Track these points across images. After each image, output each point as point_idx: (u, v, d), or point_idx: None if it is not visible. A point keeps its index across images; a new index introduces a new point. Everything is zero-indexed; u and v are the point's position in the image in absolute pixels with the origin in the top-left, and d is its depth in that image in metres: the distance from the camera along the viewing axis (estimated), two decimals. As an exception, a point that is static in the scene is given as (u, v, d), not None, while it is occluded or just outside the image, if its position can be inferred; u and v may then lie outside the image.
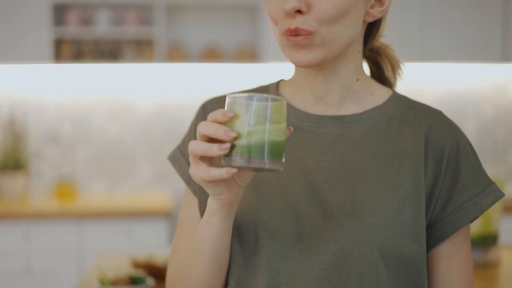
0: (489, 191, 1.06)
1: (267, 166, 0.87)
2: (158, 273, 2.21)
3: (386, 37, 1.16)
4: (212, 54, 4.28)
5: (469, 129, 4.58)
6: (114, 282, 2.10)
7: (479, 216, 1.04)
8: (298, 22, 0.99)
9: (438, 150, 1.05)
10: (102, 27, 4.23)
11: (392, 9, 1.05)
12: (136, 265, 2.25)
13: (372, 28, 1.12)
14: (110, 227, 3.86)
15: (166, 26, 4.26)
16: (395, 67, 1.15)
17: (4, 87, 4.37)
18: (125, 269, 2.31)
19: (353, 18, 1.02)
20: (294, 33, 0.99)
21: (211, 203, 0.97)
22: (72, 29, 4.17)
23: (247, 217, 1.04)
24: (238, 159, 0.86)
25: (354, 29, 1.03)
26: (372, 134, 1.07)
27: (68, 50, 4.19)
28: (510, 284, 2.27)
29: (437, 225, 1.05)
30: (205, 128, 0.88)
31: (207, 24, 4.43)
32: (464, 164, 1.05)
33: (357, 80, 1.09)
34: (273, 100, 0.87)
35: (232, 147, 0.87)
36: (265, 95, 0.87)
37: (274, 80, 1.18)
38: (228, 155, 0.87)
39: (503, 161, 4.65)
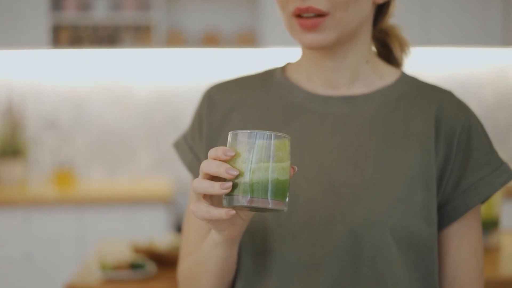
0: (501, 171, 1.05)
1: (270, 206, 0.84)
2: (158, 258, 2.20)
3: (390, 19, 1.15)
4: (211, 39, 4.26)
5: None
6: (115, 268, 2.09)
7: (491, 196, 1.03)
8: (310, 1, 0.97)
9: (449, 129, 1.03)
10: (100, 12, 4.20)
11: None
12: (137, 250, 2.24)
13: (380, 9, 1.11)
14: (110, 214, 3.85)
15: (164, 11, 4.23)
16: (403, 48, 1.14)
17: (1, 73, 4.34)
18: (126, 255, 2.30)
19: (364, 0, 1.01)
20: (305, 11, 0.98)
21: (214, 235, 0.97)
22: (70, 15, 4.14)
23: None
24: (240, 199, 0.84)
25: (365, 11, 1.02)
26: (381, 113, 1.05)
27: (66, 35, 4.17)
28: (510, 268, 2.27)
29: (448, 205, 1.03)
30: (206, 166, 0.86)
31: (206, 9, 4.40)
32: (475, 144, 1.04)
33: (367, 62, 1.08)
34: (276, 137, 0.84)
35: (235, 185, 0.84)
36: (268, 132, 0.84)
37: (280, 64, 1.17)
38: (230, 193, 0.84)
39: (504, 146, 4.64)
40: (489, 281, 2.06)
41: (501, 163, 1.06)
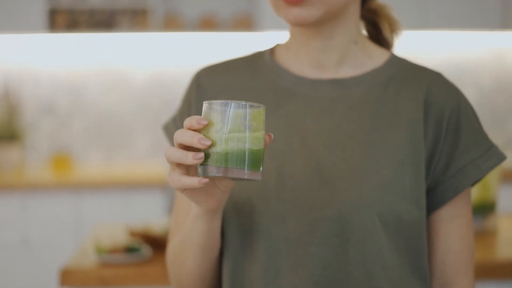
0: (490, 154, 1.04)
1: (245, 176, 0.84)
2: (154, 242, 2.20)
3: (385, 2, 1.13)
4: (208, 23, 4.24)
5: (468, 97, 4.53)
6: (110, 251, 2.09)
7: (480, 179, 1.02)
8: None
9: (438, 112, 1.02)
10: (97, -4, 4.18)
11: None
12: (133, 234, 2.24)
13: None
14: (107, 198, 3.85)
15: (161, -5, 4.21)
16: (393, 28, 1.12)
17: (-2, 58, 4.33)
18: (122, 239, 2.30)
19: None
20: None
21: (194, 207, 0.96)
22: (66, -2, 4.12)
23: (243, 184, 1.02)
24: (214, 169, 0.83)
25: None
26: (370, 96, 1.04)
27: (63, 20, 4.14)
28: (507, 251, 2.27)
29: (437, 189, 1.03)
30: (180, 135, 0.85)
31: (203, -8, 4.38)
32: (465, 127, 1.03)
33: (355, 42, 1.07)
34: (251, 107, 0.84)
35: (209, 155, 0.83)
36: (243, 102, 0.84)
37: (269, 46, 1.15)
38: (204, 164, 0.84)
39: (502, 130, 4.64)
40: (485, 265, 2.06)
41: (490, 146, 1.05)
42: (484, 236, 2.37)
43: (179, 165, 0.87)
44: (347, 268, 0.98)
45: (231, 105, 0.83)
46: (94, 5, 4.16)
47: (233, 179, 0.85)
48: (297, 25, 1.00)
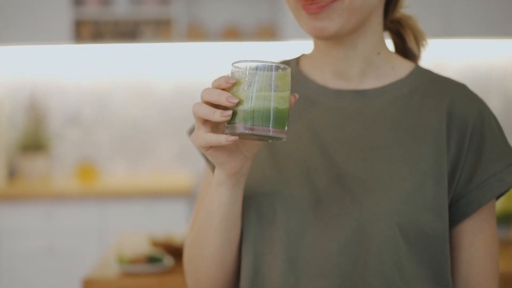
0: None
1: (270, 134, 0.86)
2: (176, 252, 2.21)
3: (409, 11, 1.12)
4: (231, 33, 4.25)
5: (494, 105, 4.50)
6: (132, 261, 2.10)
7: (505, 192, 1.00)
8: None
9: (461, 123, 1.01)
10: (121, 7, 4.21)
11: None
12: (155, 244, 2.25)
13: (390, 1, 1.09)
14: (131, 207, 3.87)
15: (185, 5, 4.23)
16: (418, 38, 1.11)
17: (24, 69, 4.38)
18: (144, 248, 2.31)
19: None
20: (312, 1, 0.96)
21: (216, 173, 0.97)
22: (91, 10, 4.16)
23: (265, 190, 1.02)
24: (241, 126, 0.86)
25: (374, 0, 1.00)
26: (393, 108, 1.04)
27: (88, 31, 4.19)
28: (534, 262, 2.24)
29: (461, 201, 1.01)
30: (207, 94, 0.87)
31: (226, 2, 4.39)
32: (488, 138, 1.01)
33: (378, 53, 1.06)
34: (277, 68, 0.86)
35: (236, 114, 0.86)
36: (269, 63, 0.86)
37: (295, 55, 1.16)
38: (232, 122, 0.86)
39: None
40: (509, 274, 2.03)
41: None
42: (508, 245, 2.35)
43: (205, 122, 0.88)
44: (367, 278, 0.97)
45: (258, 66, 0.86)
46: (118, 16, 4.20)
47: (259, 137, 0.88)
48: (317, 37, 1.00)
